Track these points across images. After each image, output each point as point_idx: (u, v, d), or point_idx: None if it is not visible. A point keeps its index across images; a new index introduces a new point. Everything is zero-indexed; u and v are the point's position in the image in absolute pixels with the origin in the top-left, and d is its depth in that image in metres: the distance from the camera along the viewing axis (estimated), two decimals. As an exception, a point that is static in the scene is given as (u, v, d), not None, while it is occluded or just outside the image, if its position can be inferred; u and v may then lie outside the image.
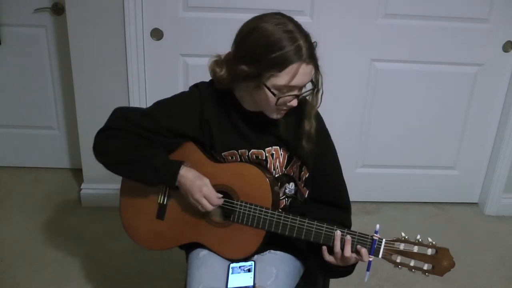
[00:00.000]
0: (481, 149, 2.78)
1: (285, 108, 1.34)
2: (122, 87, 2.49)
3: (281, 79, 1.27)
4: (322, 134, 1.47)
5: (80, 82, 2.50)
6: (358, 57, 2.51)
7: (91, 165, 2.65)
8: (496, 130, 2.73)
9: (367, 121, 2.67)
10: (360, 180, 2.78)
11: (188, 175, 1.40)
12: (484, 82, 2.61)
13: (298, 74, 1.26)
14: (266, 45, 1.26)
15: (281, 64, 1.25)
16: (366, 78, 2.57)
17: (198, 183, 1.39)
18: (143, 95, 2.51)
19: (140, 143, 1.43)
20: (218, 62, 1.38)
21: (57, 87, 2.87)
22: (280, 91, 1.29)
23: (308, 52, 1.27)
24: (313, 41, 1.32)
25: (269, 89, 1.29)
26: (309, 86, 1.36)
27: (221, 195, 1.42)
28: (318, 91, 1.34)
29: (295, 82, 1.27)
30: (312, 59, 1.29)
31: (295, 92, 1.31)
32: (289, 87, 1.29)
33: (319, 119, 1.48)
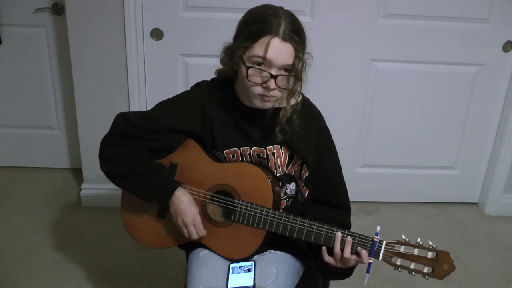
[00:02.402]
0: (481, 149, 2.78)
1: (264, 92, 1.32)
2: (122, 87, 2.49)
3: (254, 50, 1.29)
4: (323, 134, 1.47)
5: (80, 82, 2.50)
6: (358, 57, 2.51)
7: (91, 165, 2.65)
8: (496, 130, 2.73)
9: (367, 121, 2.67)
10: (360, 180, 2.78)
11: (184, 199, 1.42)
12: (484, 82, 2.61)
13: (270, 48, 1.27)
14: (249, 21, 1.32)
15: (256, 36, 1.28)
16: (366, 78, 2.57)
17: (193, 210, 1.42)
18: (143, 95, 2.51)
19: (142, 154, 1.43)
20: (225, 48, 1.42)
21: (57, 87, 2.87)
22: (253, 63, 1.30)
23: (287, 31, 1.28)
24: (307, 36, 1.34)
25: (243, 61, 1.31)
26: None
27: (205, 231, 1.44)
28: (296, 78, 1.32)
29: (268, 55, 1.28)
30: (291, 40, 1.28)
31: (270, 71, 1.30)
32: (262, 59, 1.29)
33: (320, 118, 1.49)
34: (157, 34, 2.41)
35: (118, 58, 2.43)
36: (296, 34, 1.29)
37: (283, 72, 1.31)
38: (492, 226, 2.75)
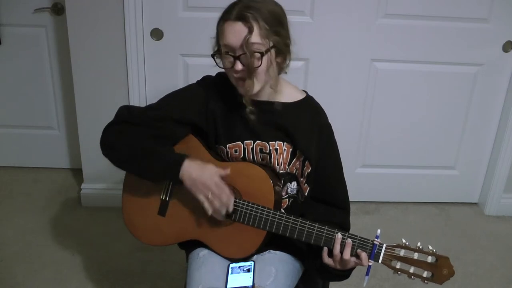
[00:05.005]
0: (481, 149, 2.78)
1: (238, 75, 1.35)
2: (122, 87, 2.49)
3: (220, 41, 1.35)
4: (326, 130, 1.49)
5: (80, 82, 2.50)
6: (358, 57, 2.51)
7: (91, 165, 2.65)
8: (496, 130, 2.73)
9: (367, 121, 2.67)
10: (360, 180, 2.78)
11: (194, 167, 1.37)
12: (484, 82, 2.61)
13: (225, 33, 1.32)
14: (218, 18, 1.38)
15: (218, 28, 1.36)
16: (366, 78, 2.57)
17: (207, 174, 1.36)
18: (143, 95, 2.51)
19: (145, 138, 1.42)
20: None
21: (57, 87, 2.87)
22: (222, 53, 1.35)
23: (239, 12, 1.31)
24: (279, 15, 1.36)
25: (213, 54, 1.36)
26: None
27: (231, 194, 1.39)
28: (256, 54, 1.31)
29: (225, 41, 1.32)
30: (242, 18, 1.30)
31: (233, 53, 1.32)
32: (224, 47, 1.33)
33: (323, 115, 1.51)
34: (157, 34, 2.41)
35: (118, 58, 2.43)
36: (249, 11, 1.30)
37: (244, 51, 1.31)
38: (492, 226, 2.75)
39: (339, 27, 2.43)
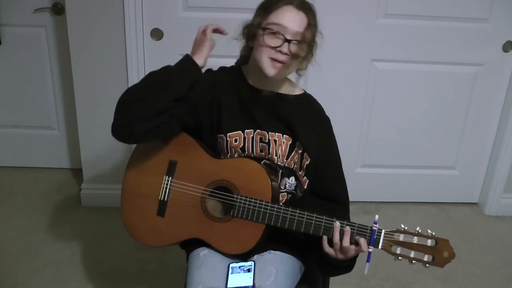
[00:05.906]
0: (481, 149, 2.78)
1: (277, 56, 1.37)
2: (122, 87, 2.46)
3: (270, 18, 1.38)
4: (327, 126, 1.51)
5: (80, 82, 2.50)
6: (358, 57, 2.51)
7: (91, 165, 2.65)
8: (496, 130, 2.73)
9: (367, 121, 2.67)
10: (360, 180, 2.78)
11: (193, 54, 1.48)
12: (484, 82, 2.61)
13: (286, 15, 1.37)
14: None
15: (273, 5, 1.38)
16: (366, 78, 2.57)
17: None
18: (143, 95, 2.51)
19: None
20: (244, 26, 1.47)
21: (57, 87, 2.87)
22: (268, 28, 1.36)
23: (301, 3, 1.38)
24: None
25: (261, 28, 1.37)
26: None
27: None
28: (309, 47, 1.38)
29: (282, 21, 1.36)
30: (305, 9, 1.38)
31: (285, 35, 1.36)
32: (277, 26, 1.36)
33: (323, 111, 1.53)
34: (157, 34, 2.42)
35: (118, 58, 2.43)
36: (309, 7, 1.40)
37: (298, 38, 1.37)
38: (492, 226, 2.75)
39: (339, 27, 2.43)
